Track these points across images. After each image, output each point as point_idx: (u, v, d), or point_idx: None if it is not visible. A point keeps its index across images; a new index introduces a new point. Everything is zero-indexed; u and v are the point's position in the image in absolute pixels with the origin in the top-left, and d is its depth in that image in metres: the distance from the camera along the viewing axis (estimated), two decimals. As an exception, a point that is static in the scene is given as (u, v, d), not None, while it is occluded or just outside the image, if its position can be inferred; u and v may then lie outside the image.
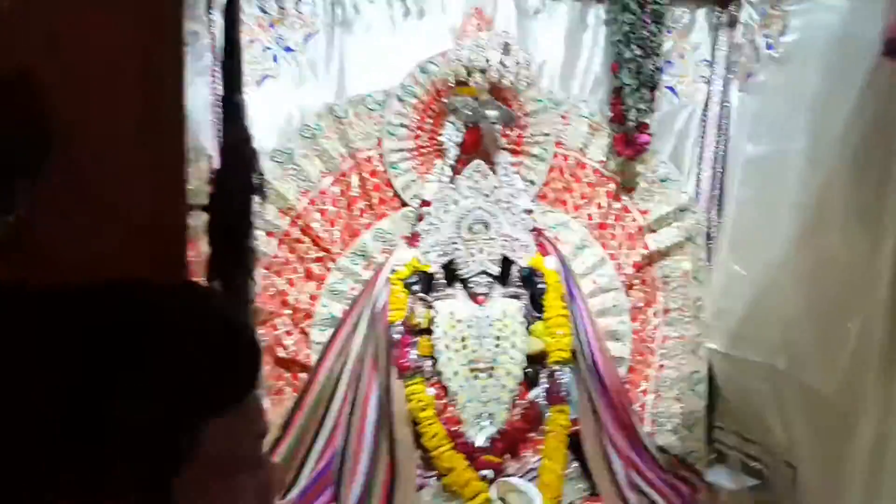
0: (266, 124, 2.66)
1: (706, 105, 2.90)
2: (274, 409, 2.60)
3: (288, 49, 2.71)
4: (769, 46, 2.62)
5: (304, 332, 2.68)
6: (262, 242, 2.63)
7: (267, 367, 2.63)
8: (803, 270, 2.35)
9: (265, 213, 2.62)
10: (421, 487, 2.41)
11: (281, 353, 2.63)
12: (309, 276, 2.71)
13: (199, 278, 1.17)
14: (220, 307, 0.93)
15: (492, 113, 2.63)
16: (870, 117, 2.08)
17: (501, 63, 2.53)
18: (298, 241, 2.70)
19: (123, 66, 0.99)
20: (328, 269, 2.72)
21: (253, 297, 1.26)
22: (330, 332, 2.64)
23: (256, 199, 1.24)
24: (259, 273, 2.61)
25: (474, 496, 2.34)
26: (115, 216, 0.98)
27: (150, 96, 1.01)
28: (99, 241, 0.95)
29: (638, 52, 2.70)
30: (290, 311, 2.67)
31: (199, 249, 1.18)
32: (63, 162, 0.93)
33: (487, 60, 2.53)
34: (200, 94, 2.45)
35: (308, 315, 2.68)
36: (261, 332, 2.62)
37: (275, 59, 2.69)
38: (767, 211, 2.56)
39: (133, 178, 0.99)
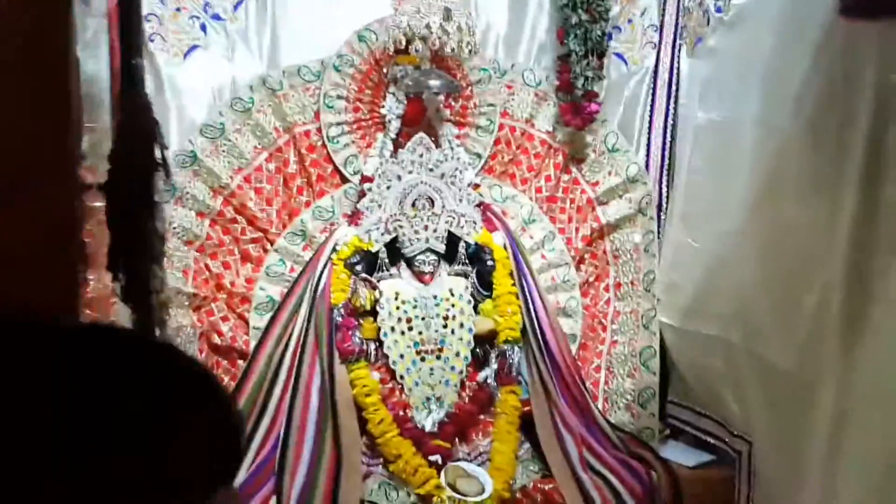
0: (195, 97, 2.53)
1: (655, 72, 2.81)
2: (211, 399, 2.47)
3: (216, 17, 2.55)
4: (718, 9, 2.53)
5: (241, 317, 2.54)
6: (194, 223, 2.48)
7: (202, 355, 2.49)
8: (758, 241, 2.28)
9: (196, 193, 2.48)
10: (367, 475, 2.31)
11: (217, 339, 2.49)
12: (245, 258, 2.57)
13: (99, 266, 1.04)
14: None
15: (434, 83, 2.51)
16: (825, 80, 2.01)
17: (442, 29, 2.41)
18: (233, 221, 2.55)
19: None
20: (265, 251, 2.58)
21: (159, 287, 1.13)
22: (269, 316, 2.51)
23: (160, 176, 1.11)
24: (189, 256, 2.48)
25: (423, 483, 2.24)
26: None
27: (35, 66, 0.87)
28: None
29: (585, 16, 2.60)
30: (225, 296, 2.53)
31: (97, 235, 1.05)
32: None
33: (428, 27, 2.41)
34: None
35: (245, 299, 2.55)
36: (194, 318, 2.48)
37: (203, 28, 2.53)
38: (720, 180, 2.49)
39: (16, 157, 0.86)
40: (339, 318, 2.43)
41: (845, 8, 1.81)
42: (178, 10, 2.49)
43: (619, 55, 2.82)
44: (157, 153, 1.11)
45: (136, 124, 1.08)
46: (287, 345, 2.45)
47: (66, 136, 0.88)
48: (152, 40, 2.43)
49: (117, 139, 1.07)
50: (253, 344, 2.49)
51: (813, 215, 2.06)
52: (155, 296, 1.08)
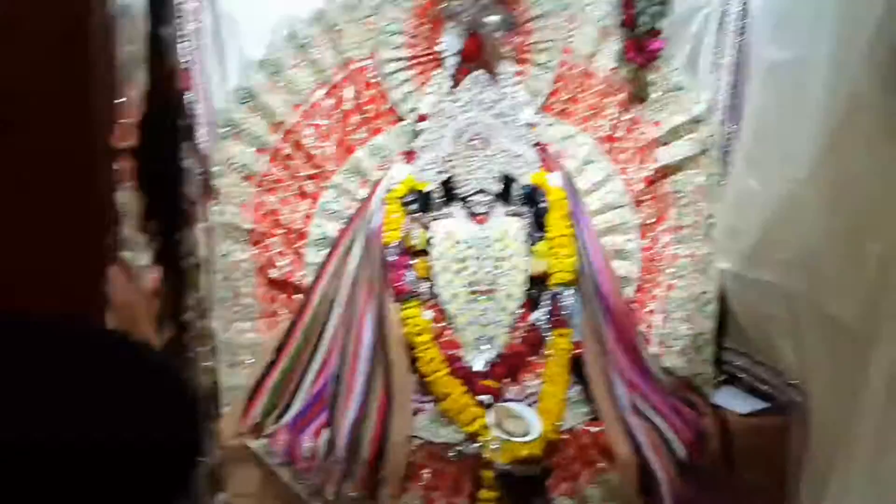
0: (252, 33, 2.52)
1: (726, 5, 2.68)
2: (268, 332, 2.53)
3: (273, -49, 2.52)
4: (795, -60, 2.39)
5: (297, 253, 2.58)
6: (252, 159, 2.51)
7: (260, 290, 2.55)
8: (825, 188, 2.20)
9: (253, 128, 2.50)
10: (417, 412, 2.35)
11: (273, 273, 2.54)
12: (302, 194, 2.59)
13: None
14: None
15: (492, 18, 2.46)
16: (897, 28, 1.90)
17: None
18: (290, 157, 2.57)
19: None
20: (322, 188, 2.60)
21: (191, 250, 1.14)
22: (324, 252, 2.54)
23: (187, 143, 1.11)
24: (248, 192, 2.51)
25: (471, 421, 2.27)
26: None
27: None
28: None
29: (651, -52, 2.49)
30: (282, 231, 2.57)
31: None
32: None
33: (484, -40, 2.34)
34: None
35: (301, 235, 2.58)
36: (253, 252, 2.53)
37: (259, -38, 2.51)
38: (788, 123, 2.39)
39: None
40: (392, 258, 2.45)
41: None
42: (232, -56, 2.47)
43: (687, -12, 2.70)
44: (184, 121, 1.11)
45: (163, 93, 1.08)
46: (341, 282, 2.49)
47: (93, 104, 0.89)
48: (209, -24, 2.42)
49: (145, 107, 1.07)
50: (309, 280, 2.54)
51: (882, 163, 1.98)
52: (186, 259, 1.10)
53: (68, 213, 0.87)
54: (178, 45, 1.07)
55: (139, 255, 1.04)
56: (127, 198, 0.97)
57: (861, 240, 2.05)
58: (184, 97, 1.14)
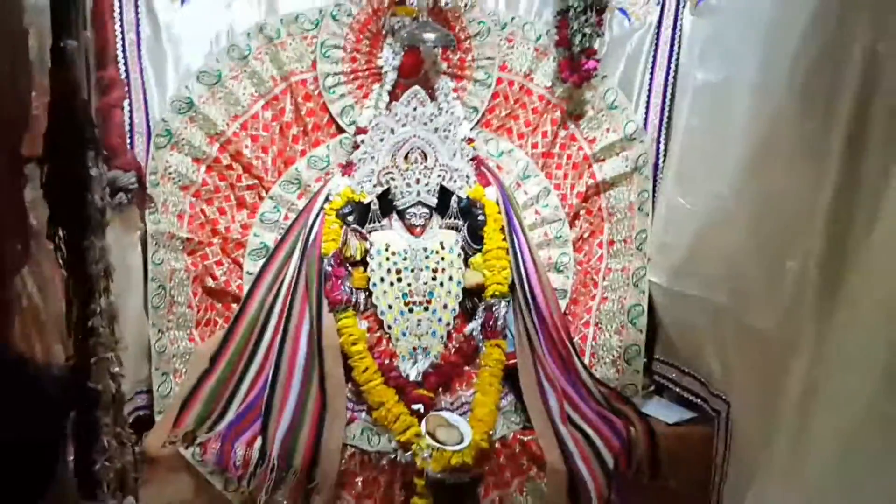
0: (192, 44, 2.55)
1: (658, 28, 2.77)
2: (204, 341, 2.54)
3: (216, -38, 2.55)
4: (723, -35, 2.49)
5: (235, 262, 2.60)
6: (190, 169, 2.52)
7: (196, 298, 2.55)
8: (748, 205, 2.28)
9: (191, 139, 2.51)
10: (351, 421, 2.37)
11: (211, 283, 2.56)
12: (241, 204, 2.61)
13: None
14: None
15: (429, 35, 2.51)
16: (818, 46, 1.98)
17: (438, -19, 2.39)
18: (229, 167, 2.59)
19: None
20: (261, 198, 2.62)
21: (97, 257, 1.16)
22: (262, 262, 2.56)
23: (92, 151, 1.13)
24: (185, 201, 2.52)
25: (404, 430, 2.30)
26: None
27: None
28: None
29: (584, -30, 2.57)
30: (220, 241, 2.58)
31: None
32: None
33: (423, -22, 2.39)
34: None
35: (240, 244, 2.60)
36: (188, 262, 2.54)
37: (201, -27, 2.53)
38: (715, 142, 2.48)
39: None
40: (329, 268, 2.48)
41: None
42: (175, -46, 2.49)
43: (622, 10, 2.78)
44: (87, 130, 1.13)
45: (66, 104, 1.10)
46: (279, 291, 2.51)
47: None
48: (150, -15, 2.44)
49: (51, 116, 1.09)
50: (246, 288, 2.55)
51: (799, 182, 2.05)
52: (94, 265, 1.12)
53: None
54: (84, 56, 1.08)
55: (46, 263, 1.06)
56: (35, 205, 0.99)
57: (780, 255, 2.12)
58: (88, 107, 1.15)
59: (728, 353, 2.40)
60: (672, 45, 2.76)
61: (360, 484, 2.28)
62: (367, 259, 2.51)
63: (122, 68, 2.39)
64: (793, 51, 2.08)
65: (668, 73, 2.77)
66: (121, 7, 2.39)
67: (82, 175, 1.10)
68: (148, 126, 2.48)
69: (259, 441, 2.28)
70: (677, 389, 2.69)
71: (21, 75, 0.91)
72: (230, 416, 2.39)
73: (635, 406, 2.61)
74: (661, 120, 2.79)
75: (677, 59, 2.75)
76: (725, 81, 2.47)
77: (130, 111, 2.42)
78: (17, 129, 0.92)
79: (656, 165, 2.80)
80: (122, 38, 2.40)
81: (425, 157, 2.58)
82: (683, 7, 2.72)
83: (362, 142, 2.57)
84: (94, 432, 1.12)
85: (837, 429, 1.91)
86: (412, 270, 2.51)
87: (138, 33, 2.44)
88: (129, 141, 2.41)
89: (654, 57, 2.78)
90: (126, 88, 2.38)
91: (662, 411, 2.65)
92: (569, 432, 2.41)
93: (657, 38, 2.78)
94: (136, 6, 2.44)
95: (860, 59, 1.82)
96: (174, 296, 2.51)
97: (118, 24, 2.38)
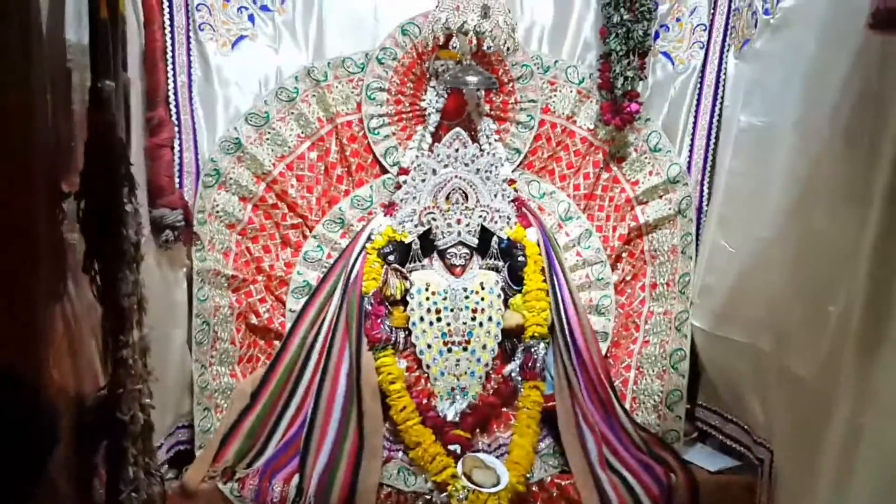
0: (241, 86, 2.63)
1: (702, 72, 2.77)
2: (246, 377, 2.58)
3: (265, 8, 2.64)
4: (766, 12, 2.48)
5: (278, 300, 2.64)
6: (236, 208, 2.58)
7: (239, 334, 2.60)
8: (791, 249, 2.25)
9: (239, 178, 2.57)
10: (388, 460, 2.38)
11: (254, 320, 2.60)
12: (285, 242, 2.67)
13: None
14: None
15: (472, 78, 2.55)
16: (859, 91, 1.97)
17: (480, 26, 2.43)
18: (274, 206, 2.65)
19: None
20: (304, 237, 2.67)
21: (130, 290, 1.20)
22: (304, 300, 2.60)
23: (126, 187, 1.17)
24: (231, 239, 2.58)
25: (440, 471, 2.29)
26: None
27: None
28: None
29: (627, 16, 2.60)
30: (264, 278, 2.63)
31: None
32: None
33: (464, 23, 2.43)
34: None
35: (283, 282, 2.65)
36: (233, 299, 2.59)
37: (251, 18, 2.62)
38: (758, 185, 2.46)
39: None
40: (369, 306, 2.50)
41: (876, 22, 1.76)
42: (227, 0, 2.58)
43: (665, 54, 2.80)
44: (123, 168, 1.17)
45: (103, 142, 1.14)
46: (320, 329, 2.54)
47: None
48: (202, 30, 2.53)
49: (87, 154, 1.13)
50: (288, 326, 2.59)
51: (842, 227, 2.02)
52: (126, 298, 1.15)
53: (14, 251, 0.93)
54: (122, 97, 1.13)
55: (82, 294, 1.11)
56: (75, 239, 1.03)
57: (822, 300, 2.09)
58: (124, 145, 1.19)
59: (771, 399, 2.36)
60: (716, 89, 2.75)
61: (395, 524, 2.28)
62: (408, 298, 2.53)
63: (174, 109, 2.47)
64: (835, 95, 2.07)
65: (711, 116, 2.76)
66: (173, 50, 2.48)
67: (117, 210, 1.14)
68: (197, 166, 2.55)
69: (296, 478, 2.30)
70: (720, 436, 2.64)
71: (62, 114, 0.95)
72: (269, 452, 2.42)
73: (676, 453, 2.56)
74: (704, 162, 2.78)
75: (721, 103, 2.74)
76: (768, 125, 2.46)
77: (180, 151, 2.50)
78: (57, 166, 0.96)
79: (700, 208, 2.78)
80: (174, 80, 2.48)
81: (466, 198, 2.60)
82: (728, 51, 2.72)
83: (405, 182, 2.61)
84: (121, 462, 1.15)
85: (881, 479, 1.87)
86: (452, 310, 2.52)
87: (189, 75, 2.53)
88: (177, 180, 2.48)
89: (698, 100, 2.78)
90: (176, 129, 2.46)
91: (704, 459, 2.60)
92: (607, 477, 2.38)
93: (701, 82, 2.78)
94: (189, 49, 2.53)
95: (903, 105, 1.80)
96: (217, 332, 2.55)
97: (170, 66, 2.46)
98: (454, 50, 2.51)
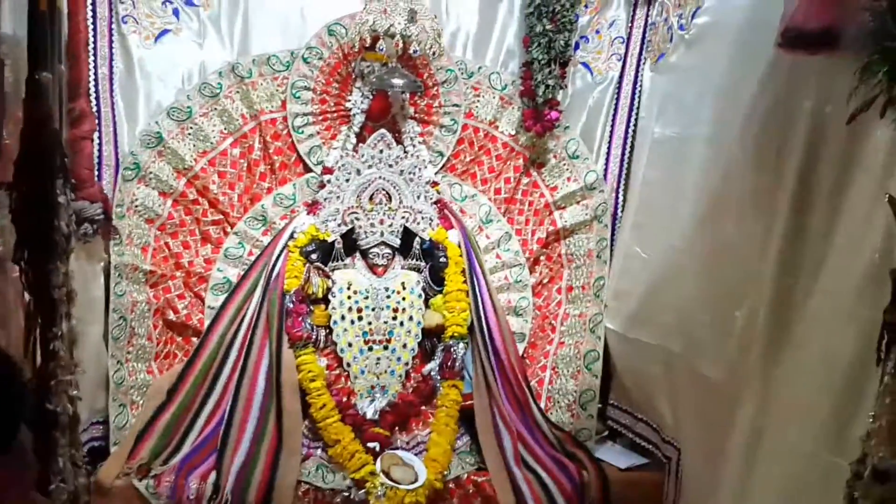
0: (164, 80, 2.59)
1: (619, 83, 2.87)
2: (162, 374, 2.54)
3: (189, 3, 2.61)
4: (682, 27, 2.59)
5: (197, 296, 2.62)
6: (155, 202, 2.55)
7: (157, 330, 2.56)
8: (701, 256, 2.35)
9: (159, 173, 2.54)
10: (307, 457, 2.38)
11: (172, 316, 2.57)
12: (205, 239, 2.64)
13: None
14: None
15: (397, 81, 2.57)
16: (768, 106, 2.07)
17: (407, 30, 2.46)
18: (195, 202, 2.62)
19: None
20: (225, 233, 2.65)
21: (60, 282, 1.18)
22: (224, 297, 2.59)
23: (61, 179, 1.16)
24: (150, 234, 2.54)
25: (359, 468, 2.31)
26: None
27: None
28: None
29: (549, 26, 2.67)
30: (183, 274, 2.60)
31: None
32: None
33: (391, 27, 2.46)
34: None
35: (202, 279, 2.62)
36: (150, 294, 2.55)
37: (175, 13, 2.58)
38: (671, 194, 2.56)
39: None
40: (291, 304, 2.50)
41: (785, 41, 1.87)
42: (152, -7, 2.54)
43: (585, 64, 2.88)
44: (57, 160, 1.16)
45: (38, 133, 1.13)
46: (239, 326, 2.53)
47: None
48: (125, 22, 2.49)
49: (21, 146, 1.12)
50: (207, 323, 2.57)
51: (749, 235, 2.13)
52: (57, 289, 1.14)
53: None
54: (58, 88, 1.11)
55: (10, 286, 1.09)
56: (2, 230, 1.02)
57: (729, 305, 2.19)
58: (60, 137, 1.18)
59: (680, 400, 2.46)
60: (632, 100, 2.85)
61: (313, 521, 2.29)
62: (329, 297, 2.54)
63: (94, 101, 2.42)
64: (745, 109, 2.17)
65: (627, 126, 2.86)
66: (95, 41, 2.43)
67: (50, 202, 1.13)
68: (116, 159, 2.51)
69: (213, 475, 2.28)
70: (630, 435, 2.74)
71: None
72: (185, 449, 2.40)
73: (589, 450, 2.65)
74: (620, 170, 2.88)
75: (637, 113, 2.85)
76: (681, 136, 2.56)
77: (100, 144, 2.45)
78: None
79: (615, 215, 2.88)
80: (95, 72, 2.43)
81: (390, 199, 2.63)
82: (644, 64, 2.82)
83: (328, 181, 2.62)
84: (51, 453, 1.13)
85: (781, 477, 1.96)
86: (373, 309, 2.54)
87: (111, 68, 2.48)
88: (97, 173, 2.43)
89: (615, 110, 2.87)
90: (96, 121, 2.41)
91: (615, 456, 2.69)
92: (522, 474, 2.44)
93: (618, 93, 2.88)
94: (111, 41, 2.48)
95: (807, 119, 1.91)
96: (135, 328, 2.51)
97: (92, 57, 2.41)
98: (380, 52, 2.54)
